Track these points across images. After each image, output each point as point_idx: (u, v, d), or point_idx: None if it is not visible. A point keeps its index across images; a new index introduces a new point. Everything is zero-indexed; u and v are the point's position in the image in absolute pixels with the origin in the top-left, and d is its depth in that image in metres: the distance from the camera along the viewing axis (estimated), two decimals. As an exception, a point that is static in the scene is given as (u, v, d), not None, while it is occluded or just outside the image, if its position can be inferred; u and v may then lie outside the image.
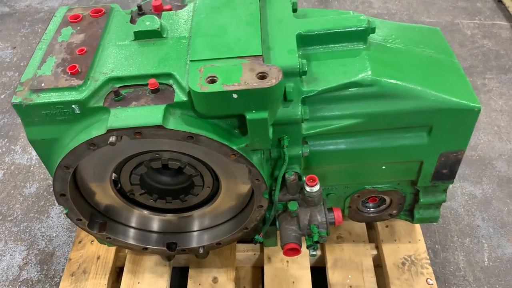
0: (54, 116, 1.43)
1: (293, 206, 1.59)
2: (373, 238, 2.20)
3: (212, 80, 1.32)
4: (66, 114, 1.42)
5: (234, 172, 1.61)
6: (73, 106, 1.40)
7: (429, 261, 2.05)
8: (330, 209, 1.65)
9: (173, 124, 1.37)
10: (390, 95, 1.48)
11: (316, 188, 1.56)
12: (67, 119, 1.43)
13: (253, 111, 1.34)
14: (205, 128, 1.41)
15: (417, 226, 2.18)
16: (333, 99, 1.49)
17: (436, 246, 2.40)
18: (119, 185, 1.72)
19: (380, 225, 2.18)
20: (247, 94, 1.29)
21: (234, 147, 1.42)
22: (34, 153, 2.83)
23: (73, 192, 1.62)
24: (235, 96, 1.29)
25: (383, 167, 1.73)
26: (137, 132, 1.36)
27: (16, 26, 4.00)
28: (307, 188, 1.56)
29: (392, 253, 2.08)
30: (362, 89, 1.47)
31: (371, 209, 1.98)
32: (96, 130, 1.38)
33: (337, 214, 1.64)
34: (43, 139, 1.48)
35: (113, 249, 2.09)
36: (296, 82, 1.44)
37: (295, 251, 1.62)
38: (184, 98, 1.39)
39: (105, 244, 1.97)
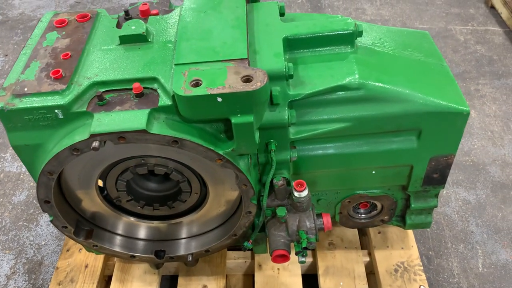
0: (37, 121, 1.40)
1: (281, 211, 1.57)
2: (365, 244, 2.18)
3: (197, 84, 1.30)
4: (49, 119, 1.40)
5: (221, 177, 1.59)
6: (56, 111, 1.38)
7: (422, 268, 2.02)
8: (319, 215, 1.63)
9: (157, 128, 1.35)
10: (377, 99, 1.46)
11: (305, 193, 1.54)
12: (51, 124, 1.41)
13: (239, 115, 1.32)
14: (190, 132, 1.39)
15: (410, 232, 2.15)
16: (320, 103, 1.48)
17: (430, 252, 2.37)
18: (105, 191, 1.69)
19: (372, 231, 2.16)
20: (232, 98, 1.27)
21: (220, 152, 1.40)
22: (24, 160, 2.80)
23: (58, 199, 1.59)
24: (219, 99, 1.28)
25: (373, 172, 1.71)
26: (120, 137, 1.33)
27: (8, 34, 3.99)
28: (295, 193, 1.54)
29: (384, 259, 2.05)
30: (349, 93, 1.45)
31: (363, 215, 1.96)
32: (79, 135, 1.36)
33: (326, 219, 1.62)
34: (27, 145, 1.46)
35: (101, 257, 2.06)
36: (282, 85, 1.43)
37: (284, 258, 1.59)
38: (168, 102, 1.37)
39: (92, 252, 1.94)
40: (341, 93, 1.46)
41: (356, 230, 2.18)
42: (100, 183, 1.65)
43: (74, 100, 1.38)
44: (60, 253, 2.12)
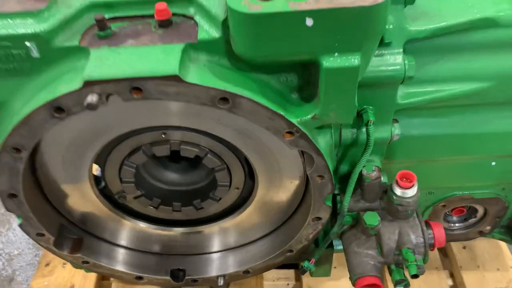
0: None
1: (372, 219, 1.04)
2: (447, 263, 1.65)
3: (267, -4, 0.77)
4: (16, 59, 0.88)
5: (279, 163, 1.06)
6: (28, 43, 0.85)
7: (529, 298, 1.49)
8: (427, 224, 1.09)
9: (195, 75, 0.81)
10: (540, 44, 0.94)
11: (413, 191, 1.01)
12: (18, 68, 0.89)
13: (336, 54, 0.78)
14: (248, 86, 0.86)
15: (505, 247, 1.64)
16: (449, 47, 0.96)
17: (518, 273, 1.84)
18: (103, 183, 1.14)
19: (455, 246, 1.64)
20: (332, 20, 0.74)
21: (293, 121, 0.87)
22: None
23: (31, 192, 1.06)
24: (309, 23, 0.74)
25: (493, 164, 1.18)
26: (135, 87, 0.80)
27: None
28: (398, 191, 1.01)
29: (476, 284, 1.55)
30: (497, 32, 0.93)
31: (456, 225, 1.45)
32: (65, 84, 0.83)
33: (438, 231, 1.08)
34: (-21, 103, 0.92)
35: (93, 275, 1.51)
36: (397, 15, 0.90)
37: (375, 288, 1.06)
38: (215, 33, 0.83)
39: (82, 269, 1.39)
40: (483, 32, 0.93)
41: (435, 244, 1.65)
42: (96, 170, 1.10)
43: (59, 26, 0.86)
44: (36, 267, 1.56)
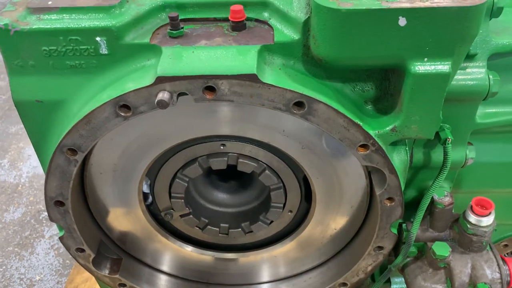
0: (62, 58, 0.85)
1: (442, 250, 0.96)
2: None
3: (353, -4, 0.73)
4: (83, 55, 0.84)
5: (341, 184, 0.99)
6: (98, 39, 0.81)
7: None
8: (502, 259, 1.00)
9: (271, 77, 0.78)
10: None
11: (489, 220, 0.93)
12: (84, 64, 0.84)
13: (425, 59, 0.74)
14: (324, 92, 0.81)
15: None
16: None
17: None
18: (150, 198, 1.08)
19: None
20: (427, 20, 0.71)
21: (371, 132, 0.81)
22: (25, 169, 2.19)
23: (77, 201, 0.99)
24: (402, 22, 0.71)
25: None
26: (208, 86, 0.75)
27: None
28: (472, 219, 0.93)
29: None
30: None
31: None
32: (135, 81, 0.79)
33: (514, 267, 0.98)
34: (39, 101, 0.88)
35: (122, 304, 1.40)
36: (482, 26, 0.85)
37: (446, 329, 0.95)
38: (294, 35, 0.80)
39: (112, 295, 1.30)
40: None
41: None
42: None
43: (131, 23, 0.83)
44: (61, 294, 1.47)
